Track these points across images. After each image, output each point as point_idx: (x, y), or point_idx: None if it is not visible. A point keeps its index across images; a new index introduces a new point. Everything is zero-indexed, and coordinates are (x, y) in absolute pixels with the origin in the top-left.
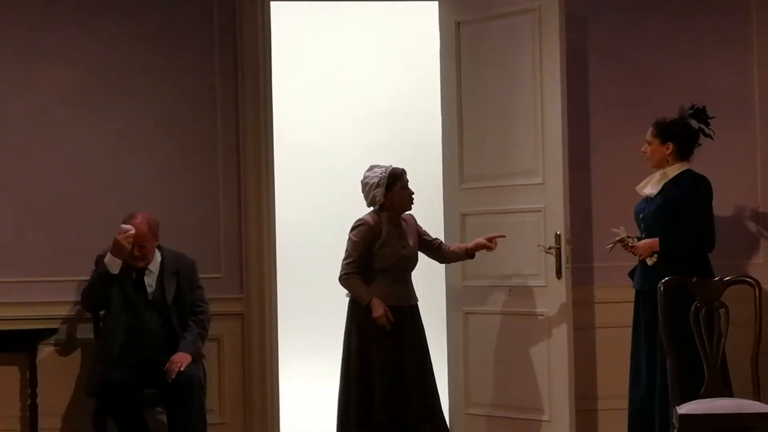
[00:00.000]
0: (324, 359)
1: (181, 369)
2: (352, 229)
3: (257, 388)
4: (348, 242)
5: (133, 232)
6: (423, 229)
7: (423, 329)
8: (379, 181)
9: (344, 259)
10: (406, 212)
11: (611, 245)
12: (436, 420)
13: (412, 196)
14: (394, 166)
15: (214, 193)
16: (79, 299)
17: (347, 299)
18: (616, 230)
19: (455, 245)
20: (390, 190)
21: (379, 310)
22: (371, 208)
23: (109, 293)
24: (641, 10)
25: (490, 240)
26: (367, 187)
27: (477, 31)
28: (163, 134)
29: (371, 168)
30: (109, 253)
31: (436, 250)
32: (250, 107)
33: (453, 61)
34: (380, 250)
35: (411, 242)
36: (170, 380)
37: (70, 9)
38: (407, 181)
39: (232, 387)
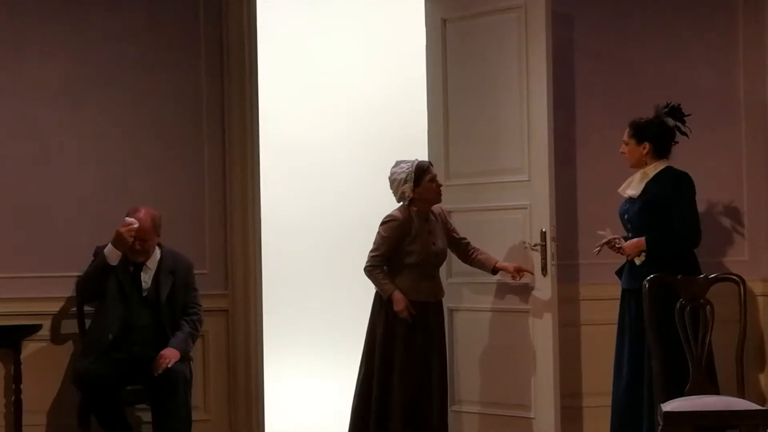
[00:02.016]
0: (309, 356)
1: (169, 365)
2: (382, 223)
3: (242, 385)
4: (377, 236)
5: (136, 225)
6: (452, 225)
7: (444, 325)
8: (407, 176)
9: (372, 251)
10: (436, 205)
11: (598, 248)
12: (445, 421)
13: (440, 187)
14: (420, 159)
15: (200, 189)
16: (73, 290)
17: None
18: (602, 232)
19: (483, 254)
20: (418, 185)
21: (400, 303)
22: (400, 203)
23: (105, 284)
24: (627, 8)
25: (518, 271)
26: (395, 184)
27: (463, 29)
28: (148, 130)
29: (397, 164)
30: (109, 244)
31: (462, 249)
32: (236, 103)
33: (439, 58)
34: (409, 246)
35: (440, 238)
36: (156, 375)
37: (56, 4)
38: (435, 173)
39: (216, 383)
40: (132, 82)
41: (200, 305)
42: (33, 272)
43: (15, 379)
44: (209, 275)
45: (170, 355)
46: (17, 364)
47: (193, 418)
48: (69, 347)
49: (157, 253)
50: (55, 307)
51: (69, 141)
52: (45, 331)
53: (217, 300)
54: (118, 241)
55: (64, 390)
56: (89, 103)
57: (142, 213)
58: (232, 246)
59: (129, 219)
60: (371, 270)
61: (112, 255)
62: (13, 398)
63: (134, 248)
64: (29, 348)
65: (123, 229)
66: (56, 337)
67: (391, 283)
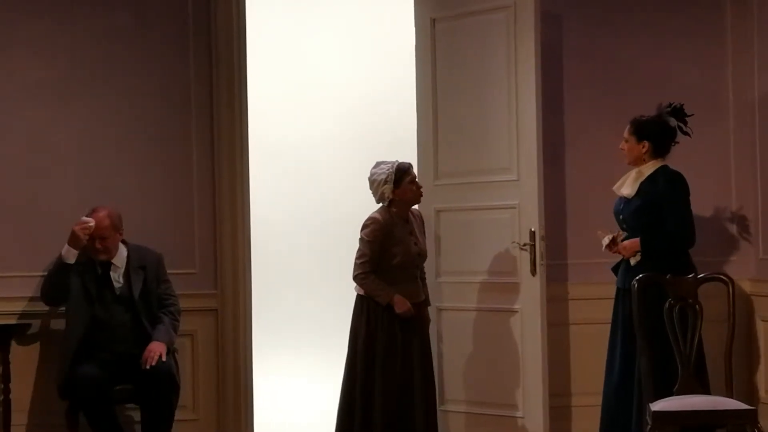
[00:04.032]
0: (298, 355)
1: (162, 359)
2: (363, 228)
3: (231, 384)
4: (360, 242)
5: (92, 224)
6: (425, 234)
7: (428, 325)
8: (387, 177)
9: (358, 258)
10: (415, 207)
11: (607, 246)
12: (433, 426)
13: (421, 189)
14: (401, 160)
15: (189, 188)
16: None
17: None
18: (600, 232)
19: (425, 289)
20: (398, 186)
21: (402, 305)
22: (380, 204)
23: (66, 284)
24: (616, 8)
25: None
26: (374, 184)
27: (452, 28)
28: (136, 129)
29: (377, 165)
30: (66, 244)
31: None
32: (224, 102)
33: (428, 58)
34: (393, 248)
35: (421, 238)
36: (146, 369)
37: (44, 2)
38: (415, 175)
39: (205, 383)
40: (120, 81)
41: (175, 296)
42: (22, 271)
43: (4, 379)
44: (198, 275)
45: (157, 349)
46: (6, 363)
47: (182, 418)
48: (58, 347)
49: (123, 250)
50: (45, 307)
51: (57, 139)
52: (34, 331)
53: (206, 299)
54: (73, 239)
55: (52, 389)
56: (77, 101)
57: (99, 212)
58: (221, 245)
59: (84, 219)
60: (363, 278)
61: (69, 254)
62: (1, 398)
63: (95, 248)
64: (18, 348)
65: (77, 228)
66: (45, 337)
67: (387, 287)
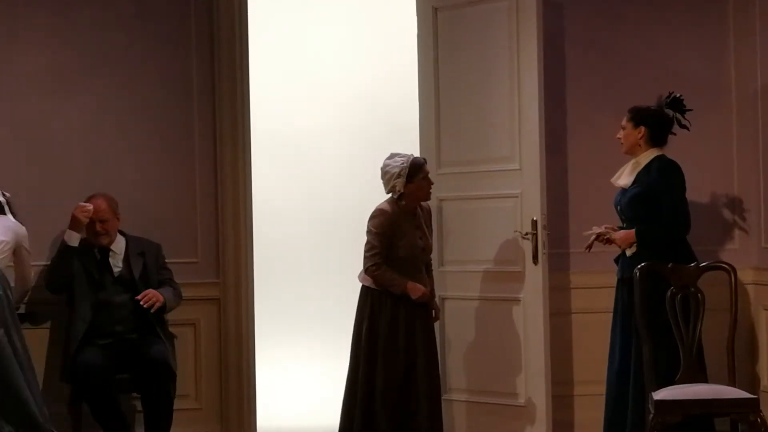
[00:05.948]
0: (301, 344)
1: (158, 304)
2: (371, 218)
3: (233, 374)
4: (368, 234)
5: (90, 207)
6: (431, 228)
7: (437, 315)
8: (401, 171)
9: (368, 250)
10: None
11: (588, 248)
12: (437, 416)
13: (431, 185)
14: (415, 155)
15: (191, 177)
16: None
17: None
18: (587, 233)
19: (431, 279)
20: (411, 181)
21: (417, 291)
22: (389, 195)
23: (71, 270)
24: None
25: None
26: (387, 176)
27: (454, 17)
28: (138, 119)
29: (392, 156)
30: (68, 229)
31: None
32: (226, 92)
33: (430, 47)
34: (399, 241)
35: (427, 232)
36: (144, 305)
37: None
38: (428, 171)
39: (208, 372)
40: (122, 71)
41: (177, 284)
42: None
43: None
44: (200, 264)
45: (155, 296)
46: None
47: (184, 407)
48: (60, 335)
49: (121, 239)
50: (47, 296)
51: (59, 129)
52: (33, 320)
53: (209, 289)
54: (74, 223)
55: (53, 379)
56: (79, 91)
57: (97, 198)
58: (224, 235)
59: (82, 204)
60: (375, 269)
61: (71, 237)
62: None
63: (96, 231)
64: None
65: (76, 212)
66: (45, 326)
67: (399, 276)
